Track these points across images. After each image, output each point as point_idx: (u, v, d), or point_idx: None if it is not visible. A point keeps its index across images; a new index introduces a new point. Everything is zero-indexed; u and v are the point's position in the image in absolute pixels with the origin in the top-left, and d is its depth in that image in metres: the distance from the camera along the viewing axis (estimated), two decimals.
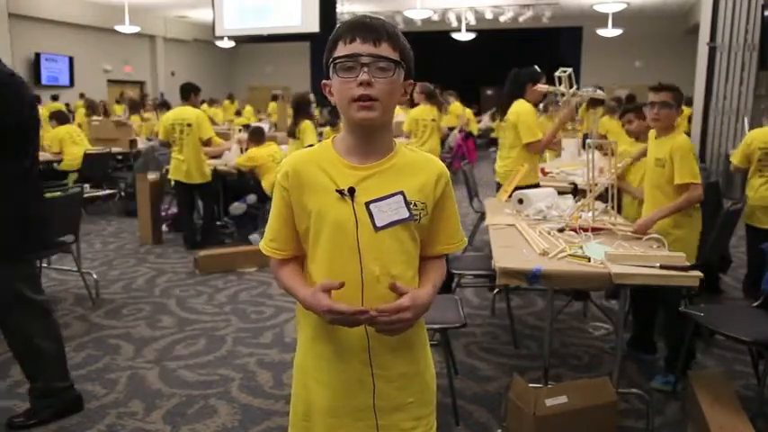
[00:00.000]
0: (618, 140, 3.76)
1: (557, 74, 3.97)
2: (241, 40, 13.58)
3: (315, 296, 1.24)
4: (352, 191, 1.24)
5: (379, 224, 1.24)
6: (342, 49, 1.22)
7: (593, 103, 8.04)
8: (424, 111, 6.39)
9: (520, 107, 4.02)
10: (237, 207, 6.00)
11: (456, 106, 11.32)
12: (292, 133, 5.75)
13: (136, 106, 10.74)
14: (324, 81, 1.28)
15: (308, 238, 1.30)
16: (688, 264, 2.41)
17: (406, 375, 1.32)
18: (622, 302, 2.70)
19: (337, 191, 1.25)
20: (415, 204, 1.27)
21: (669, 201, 2.98)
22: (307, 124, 5.64)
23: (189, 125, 5.41)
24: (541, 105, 7.43)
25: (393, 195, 1.26)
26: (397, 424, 1.33)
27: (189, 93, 5.63)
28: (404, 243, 1.28)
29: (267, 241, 1.36)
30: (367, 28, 1.22)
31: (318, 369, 1.33)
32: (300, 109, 5.79)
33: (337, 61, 1.22)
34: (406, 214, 1.26)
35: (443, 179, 1.33)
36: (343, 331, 1.27)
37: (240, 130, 6.98)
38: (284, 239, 1.34)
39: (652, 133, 3.18)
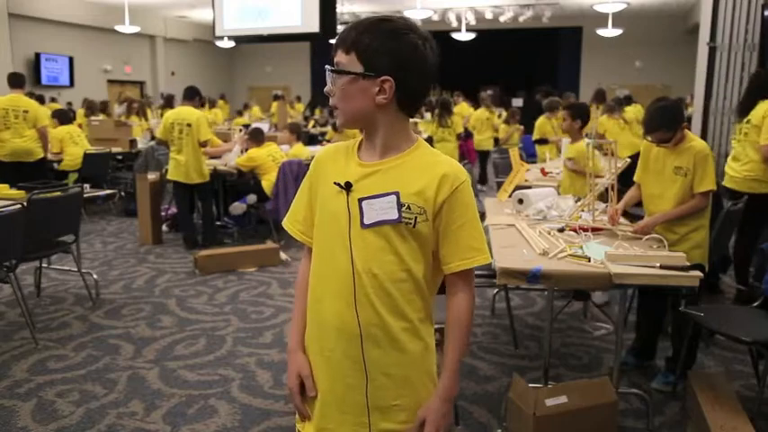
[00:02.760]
0: (617, 140, 3.76)
1: None
2: (241, 40, 13.53)
3: (296, 355, 1.36)
4: (348, 185, 1.26)
5: (366, 221, 1.25)
6: None
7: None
8: (484, 111, 9.52)
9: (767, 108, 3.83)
10: (237, 207, 6.01)
11: (462, 107, 11.54)
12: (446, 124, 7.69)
13: (133, 108, 10.72)
14: None
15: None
16: (689, 264, 2.41)
17: (400, 376, 1.30)
18: (622, 302, 2.70)
19: (335, 183, 1.27)
20: (409, 207, 1.24)
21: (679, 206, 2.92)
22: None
23: (188, 125, 5.40)
24: (544, 104, 7.45)
25: (387, 195, 1.25)
26: (392, 427, 1.31)
27: (195, 95, 5.64)
28: (392, 243, 1.25)
29: (293, 221, 1.39)
30: (338, 37, 1.26)
31: (313, 363, 1.34)
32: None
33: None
34: (395, 216, 1.24)
35: (448, 183, 1.24)
36: (338, 329, 1.28)
37: (240, 130, 6.96)
38: (311, 224, 1.36)
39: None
